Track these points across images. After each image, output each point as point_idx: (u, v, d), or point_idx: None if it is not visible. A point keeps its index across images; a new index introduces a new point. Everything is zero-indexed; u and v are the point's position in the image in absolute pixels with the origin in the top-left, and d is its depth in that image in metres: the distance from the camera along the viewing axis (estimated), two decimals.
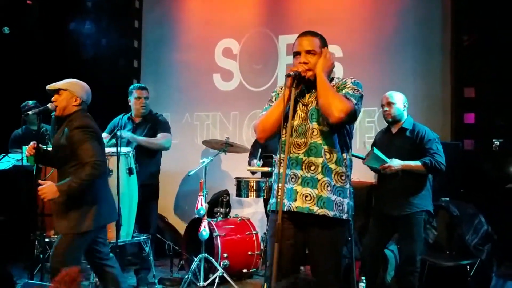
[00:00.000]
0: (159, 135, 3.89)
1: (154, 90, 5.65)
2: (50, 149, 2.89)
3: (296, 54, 2.13)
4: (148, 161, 3.83)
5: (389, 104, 3.25)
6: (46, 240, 3.33)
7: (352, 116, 2.05)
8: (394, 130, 3.29)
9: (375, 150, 3.12)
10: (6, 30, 4.92)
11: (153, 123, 3.93)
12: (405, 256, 3.17)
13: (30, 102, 4.34)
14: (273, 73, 5.11)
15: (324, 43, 2.15)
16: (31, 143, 2.69)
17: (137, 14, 5.71)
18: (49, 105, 2.73)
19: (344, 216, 2.08)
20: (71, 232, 2.61)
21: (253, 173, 4.22)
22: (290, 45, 4.99)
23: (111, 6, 5.42)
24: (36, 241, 3.62)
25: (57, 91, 2.70)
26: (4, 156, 3.44)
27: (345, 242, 2.19)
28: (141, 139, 3.80)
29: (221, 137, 4.63)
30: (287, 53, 4.98)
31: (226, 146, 3.95)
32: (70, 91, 2.70)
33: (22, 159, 3.20)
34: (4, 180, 3.82)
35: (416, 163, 3.09)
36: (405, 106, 3.26)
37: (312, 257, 2.13)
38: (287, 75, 2.03)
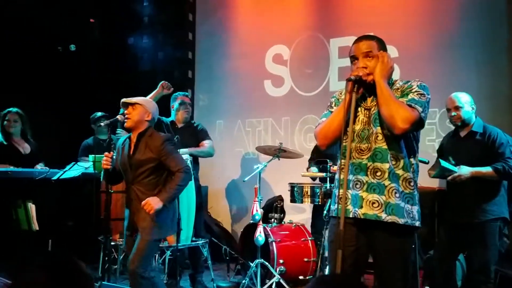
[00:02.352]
0: (205, 143, 4.01)
1: (207, 99, 5.84)
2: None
3: (354, 59, 2.08)
4: (193, 167, 3.95)
5: (457, 108, 3.07)
6: (112, 243, 3.50)
7: (417, 124, 1.97)
8: (462, 133, 3.11)
9: (442, 162, 2.96)
10: (73, 47, 5.30)
11: (194, 131, 4.06)
12: (478, 266, 2.97)
13: (98, 113, 4.63)
14: (325, 77, 5.08)
15: (382, 46, 2.08)
16: (105, 153, 2.85)
17: (191, 26, 5.92)
18: (119, 117, 2.92)
19: (417, 224, 2.01)
20: (154, 238, 2.75)
21: (313, 178, 4.20)
22: (341, 48, 4.95)
23: (166, 20, 5.66)
24: (102, 244, 3.83)
25: (132, 104, 2.87)
26: (73, 164, 3.69)
27: (411, 251, 2.11)
28: (191, 150, 3.90)
29: (273, 143, 4.67)
30: (339, 56, 4.93)
31: (279, 152, 3.97)
32: (144, 107, 2.88)
33: (94, 166, 3.39)
34: (73, 187, 4.09)
35: (487, 170, 2.91)
36: (473, 108, 3.07)
37: (379, 265, 2.06)
38: (348, 80, 1.98)
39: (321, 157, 4.02)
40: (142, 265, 2.69)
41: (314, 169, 4.16)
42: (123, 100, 2.93)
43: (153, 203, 2.67)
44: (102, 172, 3.71)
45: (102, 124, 2.95)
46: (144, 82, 5.21)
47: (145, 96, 3.79)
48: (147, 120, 2.87)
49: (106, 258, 3.37)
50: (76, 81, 5.29)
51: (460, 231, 3.04)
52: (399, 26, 4.57)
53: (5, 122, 4.03)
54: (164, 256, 3.72)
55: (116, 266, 3.57)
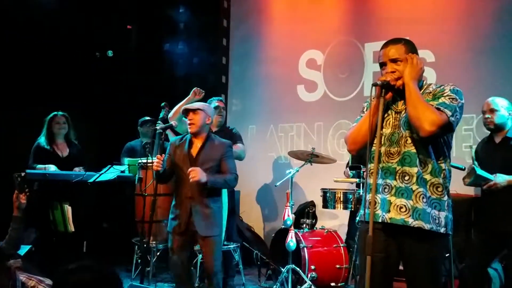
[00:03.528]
0: (235, 147, 4.03)
1: (240, 104, 5.89)
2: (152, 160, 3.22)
3: (382, 64, 2.07)
4: None
5: (492, 111, 3.02)
6: (145, 246, 3.58)
7: (445, 128, 1.93)
8: (497, 139, 3.05)
9: (477, 170, 2.89)
10: (110, 53, 5.49)
11: (229, 135, 4.09)
12: None
13: (146, 117, 4.77)
14: (359, 81, 5.02)
15: (410, 48, 2.06)
16: (157, 156, 2.99)
17: (225, 32, 6.00)
18: (173, 123, 3.17)
19: (442, 230, 1.96)
20: (216, 234, 2.99)
21: (352, 183, 4.15)
22: (376, 52, 4.80)
23: (201, 26, 5.76)
24: (136, 246, 3.92)
25: (194, 110, 3.03)
26: (109, 167, 3.80)
27: (443, 258, 2.05)
28: None
29: (305, 148, 4.65)
30: (374, 60, 4.87)
31: (312, 157, 3.95)
32: (205, 112, 3.07)
33: (129, 169, 3.46)
34: (109, 189, 4.21)
35: None
36: (510, 114, 3.00)
37: (408, 272, 2.03)
38: (374, 85, 1.98)
39: (360, 162, 3.96)
40: (218, 264, 2.96)
41: (350, 173, 4.10)
42: (185, 106, 3.11)
43: (200, 174, 2.84)
44: (137, 176, 3.82)
45: (157, 128, 3.08)
46: (179, 86, 5.32)
47: (180, 101, 3.90)
48: (208, 123, 3.08)
49: (140, 260, 3.44)
50: (113, 86, 5.46)
51: (494, 239, 2.97)
52: (435, 30, 4.48)
53: (55, 124, 4.17)
54: (195, 260, 3.77)
55: (149, 269, 3.64)
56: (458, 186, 3.43)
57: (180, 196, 3.02)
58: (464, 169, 3.07)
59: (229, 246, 3.75)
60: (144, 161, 3.64)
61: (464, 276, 3.13)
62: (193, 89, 3.94)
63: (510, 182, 2.85)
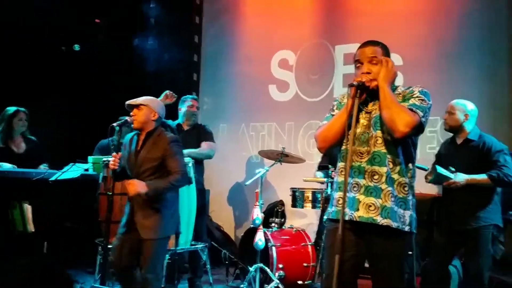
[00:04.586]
0: (204, 145, 4.00)
1: (212, 102, 5.85)
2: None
3: (358, 63, 2.10)
4: (197, 169, 3.92)
5: (449, 113, 3.14)
6: (109, 246, 3.49)
7: (417, 129, 1.98)
8: (459, 141, 3.15)
9: (438, 169, 2.98)
10: (77, 47, 5.33)
11: (201, 134, 4.06)
12: (473, 273, 3.00)
13: (126, 117, 4.61)
14: (330, 83, 5.08)
15: (386, 52, 2.10)
16: (113, 154, 2.87)
17: (197, 29, 5.94)
18: (128, 118, 2.95)
19: (406, 228, 2.01)
20: (157, 237, 2.78)
21: (322, 183, 4.18)
22: (347, 54, 4.97)
23: (172, 22, 5.68)
24: (100, 247, 3.82)
25: (137, 106, 2.90)
26: (72, 165, 3.69)
27: (407, 256, 2.10)
28: (190, 152, 3.87)
29: (276, 147, 4.66)
30: (344, 62, 4.94)
31: (282, 157, 3.97)
32: (150, 107, 2.91)
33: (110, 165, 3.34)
34: (72, 188, 4.08)
35: (482, 177, 2.94)
36: (467, 116, 3.08)
37: (374, 270, 2.06)
38: (351, 85, 2.01)
39: (331, 162, 4.00)
40: (153, 269, 2.73)
41: (319, 174, 4.14)
42: (128, 102, 2.96)
43: (138, 185, 2.70)
44: (100, 174, 3.72)
45: (114, 124, 2.95)
46: (150, 83, 5.23)
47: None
48: (154, 119, 2.91)
49: (103, 261, 3.35)
50: (81, 82, 5.30)
51: (454, 237, 3.07)
52: (403, 35, 4.60)
53: (18, 121, 4.00)
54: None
55: (112, 270, 3.54)
56: (422, 186, 3.54)
57: (127, 195, 2.90)
58: (427, 170, 3.16)
59: (196, 246, 3.72)
60: (109, 159, 3.54)
61: (426, 273, 3.22)
62: (165, 92, 3.86)
63: (469, 181, 2.95)
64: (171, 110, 4.06)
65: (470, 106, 3.12)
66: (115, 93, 5.18)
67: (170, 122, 3.91)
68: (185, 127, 4.10)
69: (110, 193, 2.89)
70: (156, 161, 2.83)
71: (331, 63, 5.07)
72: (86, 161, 4.08)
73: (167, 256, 3.37)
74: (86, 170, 3.93)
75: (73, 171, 3.68)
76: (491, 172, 2.93)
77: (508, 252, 3.43)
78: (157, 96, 3.86)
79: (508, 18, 4.24)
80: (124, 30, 5.63)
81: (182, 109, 4.11)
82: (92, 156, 4.23)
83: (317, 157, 4.66)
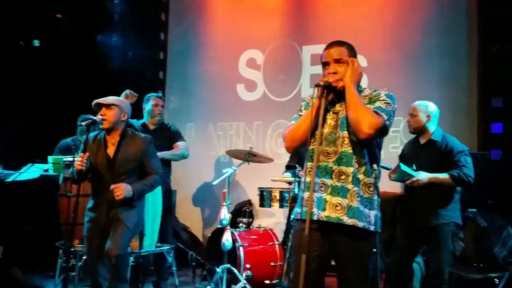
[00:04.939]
0: (179, 145, 3.93)
1: (179, 101, 5.77)
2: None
3: (325, 64, 2.11)
4: (164, 170, 3.84)
5: (412, 115, 3.21)
6: (71, 249, 3.38)
7: (382, 131, 2.01)
8: (422, 141, 3.22)
9: (402, 166, 3.06)
10: (36, 43, 5.12)
11: (167, 133, 3.98)
12: (433, 268, 3.09)
13: (90, 116, 4.45)
14: (297, 83, 5.12)
15: (352, 53, 2.13)
16: (80, 153, 2.79)
17: (163, 26, 5.84)
18: (97, 118, 2.86)
19: (372, 228, 2.04)
20: (131, 227, 2.83)
21: (289, 183, 4.20)
22: (314, 55, 5.02)
23: (137, 19, 5.56)
24: (60, 250, 3.69)
25: (107, 105, 2.85)
26: (30, 166, 3.54)
27: (372, 254, 2.14)
28: (165, 154, 3.78)
29: (244, 147, 4.66)
30: (311, 63, 4.99)
31: (250, 156, 3.96)
32: (120, 107, 2.89)
33: (75, 166, 3.23)
34: (31, 189, 3.92)
35: (444, 176, 3.03)
36: (429, 117, 3.17)
37: (339, 269, 2.09)
38: (317, 85, 2.02)
39: (299, 162, 4.02)
40: (122, 249, 2.76)
41: (286, 174, 4.16)
42: (97, 101, 2.89)
43: (125, 189, 2.74)
44: (61, 175, 3.59)
45: (83, 123, 2.85)
46: (114, 81, 5.09)
47: (116, 96, 3.71)
48: (123, 120, 2.90)
49: (65, 264, 3.24)
50: (40, 78, 5.10)
51: (416, 235, 3.15)
52: (368, 37, 4.70)
53: None
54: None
55: (74, 273, 3.43)
56: (386, 185, 3.63)
57: (99, 198, 2.85)
58: (390, 169, 3.23)
59: (162, 248, 3.65)
60: (70, 159, 3.43)
61: (389, 270, 3.31)
62: (125, 91, 3.76)
63: (431, 180, 3.03)
64: (134, 109, 3.98)
65: (432, 107, 3.21)
66: (77, 91, 5.02)
67: (134, 121, 3.81)
68: (151, 127, 4.01)
69: (71, 195, 2.79)
70: (135, 162, 2.86)
71: (299, 63, 5.11)
72: (46, 161, 3.93)
73: (131, 259, 3.29)
74: (46, 170, 3.79)
75: (31, 171, 3.55)
76: (452, 171, 3.02)
77: (468, 248, 3.59)
78: (119, 94, 3.77)
79: (467, 24, 4.42)
80: (87, 26, 5.46)
81: (147, 107, 4.01)
82: (53, 156, 4.08)
83: (285, 156, 4.68)
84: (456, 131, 3.74)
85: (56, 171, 3.85)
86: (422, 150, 3.20)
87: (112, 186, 2.73)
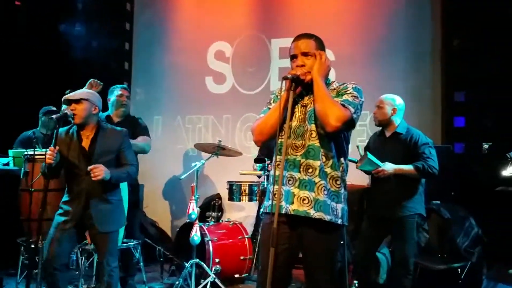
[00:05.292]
0: (139, 138, 3.84)
1: (145, 93, 5.64)
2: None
3: (293, 57, 2.11)
4: None
5: (378, 107, 3.26)
6: (32, 246, 3.26)
7: (349, 124, 2.02)
8: (387, 133, 3.29)
9: (369, 155, 3.11)
10: None
11: (133, 126, 3.88)
12: (399, 259, 3.17)
13: (52, 107, 4.25)
14: (266, 76, 5.11)
15: (320, 45, 2.12)
16: (50, 147, 2.70)
17: (129, 16, 5.68)
18: (68, 112, 2.82)
19: (339, 221, 2.06)
20: (113, 229, 2.86)
21: (258, 176, 4.18)
22: (282, 48, 5.03)
23: (102, 8, 5.37)
24: (22, 247, 3.56)
25: (77, 100, 2.81)
26: None
27: (339, 247, 2.17)
28: None
29: (213, 140, 4.61)
30: (280, 56, 4.99)
31: (218, 150, 3.92)
32: (90, 101, 2.85)
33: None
34: None
35: (409, 167, 3.09)
36: (394, 111, 3.22)
37: (307, 261, 2.10)
38: (285, 78, 2.01)
39: (268, 155, 4.01)
40: (112, 257, 2.81)
41: (256, 166, 4.14)
42: (66, 97, 2.85)
43: (104, 170, 2.71)
44: (22, 169, 3.44)
45: (53, 117, 2.76)
46: (78, 72, 4.90)
47: (80, 88, 3.58)
48: (95, 113, 2.87)
49: (27, 262, 3.12)
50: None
51: (381, 226, 3.22)
52: (336, 31, 4.75)
53: None
54: (91, 259, 3.52)
55: (37, 271, 3.31)
56: (353, 177, 3.68)
57: (74, 192, 2.81)
58: (357, 163, 3.28)
59: (128, 244, 3.57)
60: (31, 153, 3.28)
61: (356, 261, 3.37)
62: (90, 81, 3.64)
63: (397, 171, 3.09)
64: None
65: (398, 100, 3.27)
66: (38, 82, 4.80)
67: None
68: (116, 119, 3.89)
69: (33, 189, 2.68)
70: (113, 154, 2.88)
71: (267, 56, 5.10)
72: (6, 155, 3.76)
73: (96, 255, 3.20)
74: (6, 164, 3.63)
75: None
76: (417, 163, 3.09)
77: (432, 239, 3.69)
78: (83, 86, 3.64)
79: (431, 19, 4.53)
80: (48, 15, 5.22)
81: (111, 99, 3.89)
82: (13, 150, 3.91)
83: (255, 150, 4.68)
84: (421, 125, 3.83)
85: (16, 165, 3.70)
86: (387, 143, 3.26)
87: (91, 166, 2.70)
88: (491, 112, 4.35)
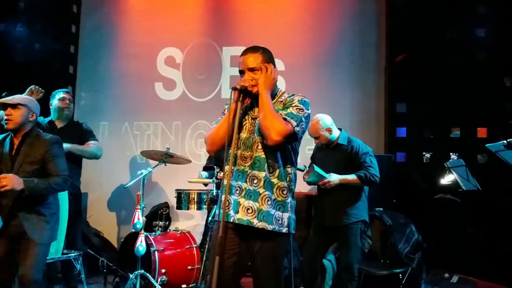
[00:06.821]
0: (91, 143, 3.70)
1: (91, 98, 5.44)
2: None
3: (241, 72, 2.14)
4: (73, 171, 3.59)
5: (316, 138, 3.35)
6: None
7: (290, 138, 2.05)
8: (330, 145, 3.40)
9: (316, 168, 3.20)
10: None
11: (78, 131, 3.74)
12: (344, 265, 3.26)
13: None
14: (217, 83, 5.10)
15: (267, 58, 2.15)
16: None
17: (74, 18, 5.47)
18: (1, 116, 2.73)
19: (284, 230, 2.09)
20: (46, 242, 2.67)
21: (205, 184, 4.13)
22: (234, 56, 5.06)
23: (46, 9, 5.14)
24: None
25: (13, 105, 2.69)
26: None
27: (286, 254, 2.20)
28: (73, 146, 3.58)
29: (162, 147, 4.52)
30: (231, 64, 5.01)
31: (166, 157, 3.84)
32: (28, 107, 2.73)
33: None
34: None
35: (352, 177, 3.21)
36: (329, 130, 3.31)
37: (254, 269, 2.12)
38: (234, 88, 2.04)
39: (217, 163, 3.97)
40: (37, 271, 2.58)
41: (203, 174, 4.10)
42: (1, 100, 2.72)
43: (14, 181, 2.50)
44: None
45: None
46: (18, 74, 4.65)
47: (21, 91, 3.40)
48: (31, 120, 2.75)
49: None
50: None
51: (327, 233, 3.32)
52: (286, 42, 4.86)
53: None
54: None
55: None
56: (301, 185, 3.74)
57: (2, 202, 2.64)
58: (303, 170, 3.35)
59: (69, 255, 3.40)
60: None
61: (302, 268, 3.42)
62: (30, 87, 3.48)
63: (342, 181, 3.22)
64: (41, 107, 3.66)
65: (326, 119, 3.35)
66: None
67: (40, 119, 3.52)
68: (59, 124, 3.73)
69: None
70: (36, 165, 2.68)
71: (219, 64, 5.10)
72: None
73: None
74: None
75: None
76: (360, 172, 3.22)
77: (375, 245, 3.82)
78: (24, 90, 3.46)
79: (376, 35, 4.76)
80: None
81: (53, 103, 3.73)
82: None
83: (205, 157, 4.64)
84: (365, 135, 3.99)
85: None
86: (330, 153, 3.38)
87: (0, 176, 2.50)
88: (431, 123, 4.60)
